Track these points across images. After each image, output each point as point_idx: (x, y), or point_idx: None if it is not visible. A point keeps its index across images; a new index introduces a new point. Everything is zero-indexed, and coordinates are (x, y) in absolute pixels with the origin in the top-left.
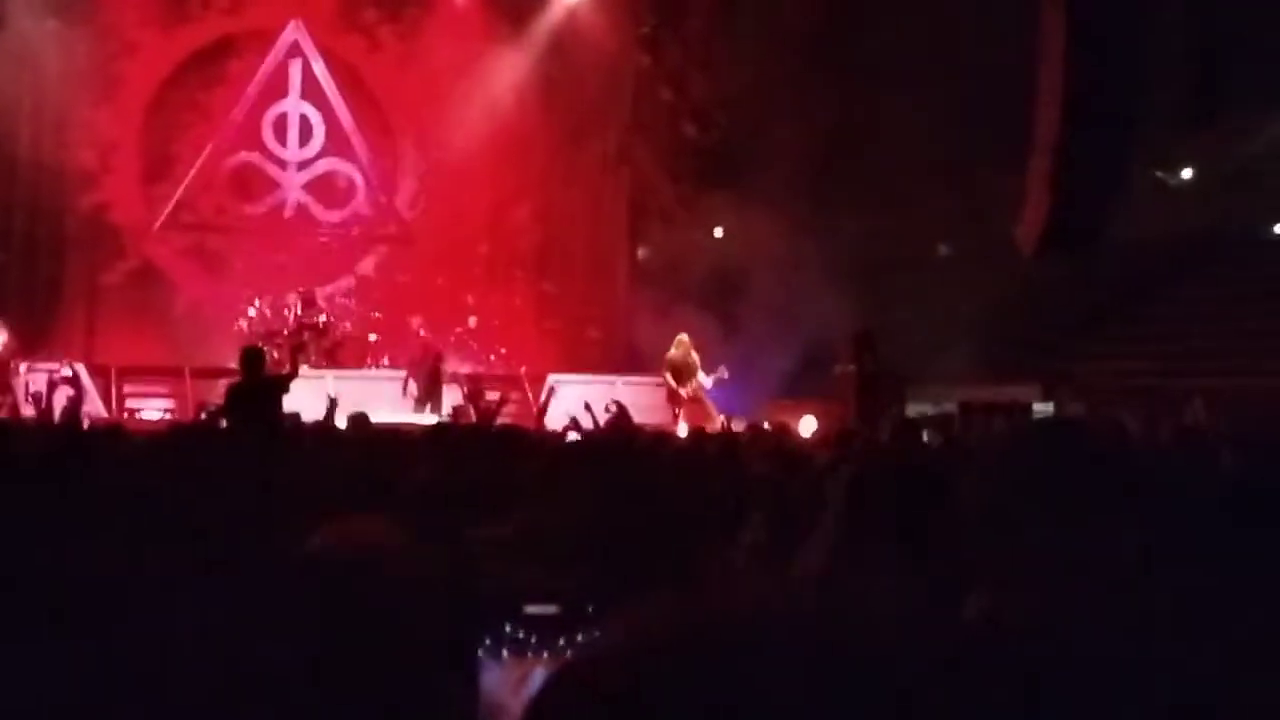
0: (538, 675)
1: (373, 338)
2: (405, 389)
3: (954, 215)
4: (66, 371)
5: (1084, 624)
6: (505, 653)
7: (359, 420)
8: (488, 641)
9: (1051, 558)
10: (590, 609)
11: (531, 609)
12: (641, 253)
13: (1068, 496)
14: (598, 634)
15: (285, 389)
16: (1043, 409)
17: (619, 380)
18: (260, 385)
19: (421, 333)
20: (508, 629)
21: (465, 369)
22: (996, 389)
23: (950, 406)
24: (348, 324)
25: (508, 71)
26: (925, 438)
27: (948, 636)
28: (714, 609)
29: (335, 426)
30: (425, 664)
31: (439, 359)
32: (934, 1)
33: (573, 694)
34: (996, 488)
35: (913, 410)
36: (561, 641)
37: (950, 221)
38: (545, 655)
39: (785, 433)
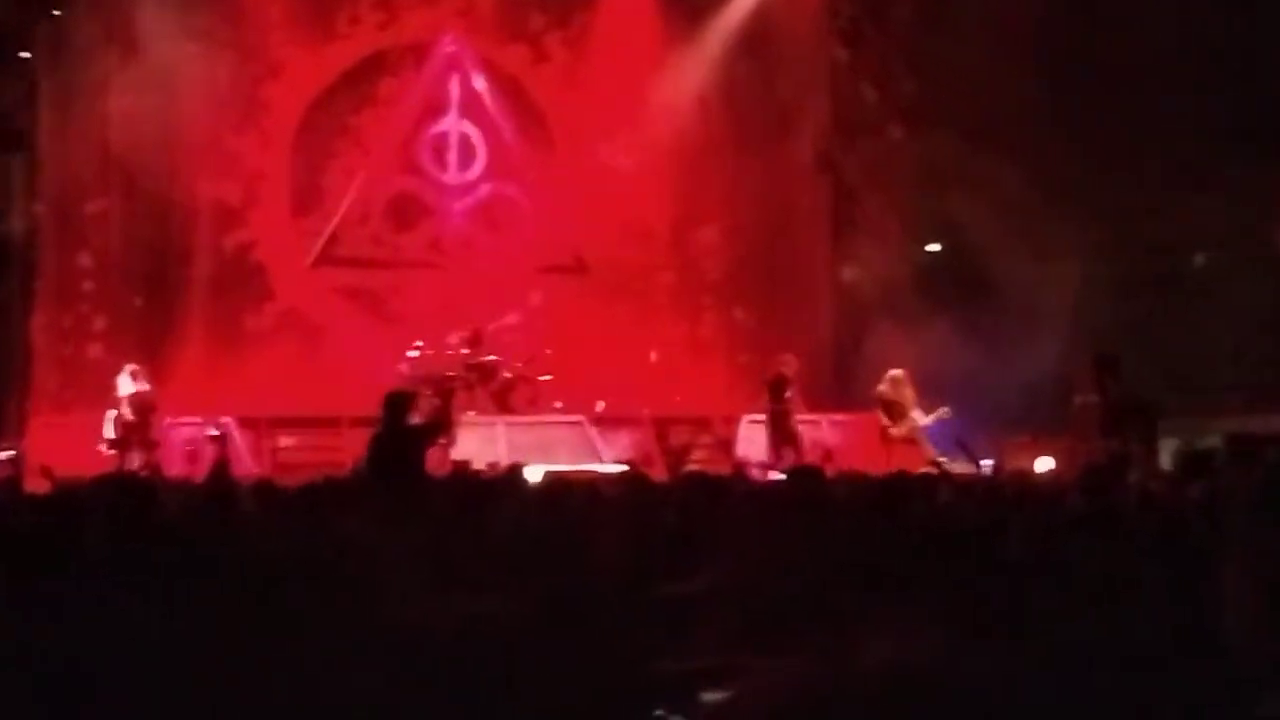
0: None
1: (545, 378)
2: None
3: (1211, 221)
4: (213, 432)
5: None
6: None
7: (518, 473)
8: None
9: None
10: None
11: (708, 696)
12: (847, 273)
13: None
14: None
15: (432, 439)
16: None
17: (824, 419)
18: (404, 435)
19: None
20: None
21: (647, 411)
22: (1266, 419)
23: (1214, 440)
24: (519, 364)
25: (688, 75)
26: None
27: None
28: (837, 675)
29: (503, 479)
30: None
31: None
32: None
33: None
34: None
35: (1165, 447)
36: None
37: (1207, 228)
38: None
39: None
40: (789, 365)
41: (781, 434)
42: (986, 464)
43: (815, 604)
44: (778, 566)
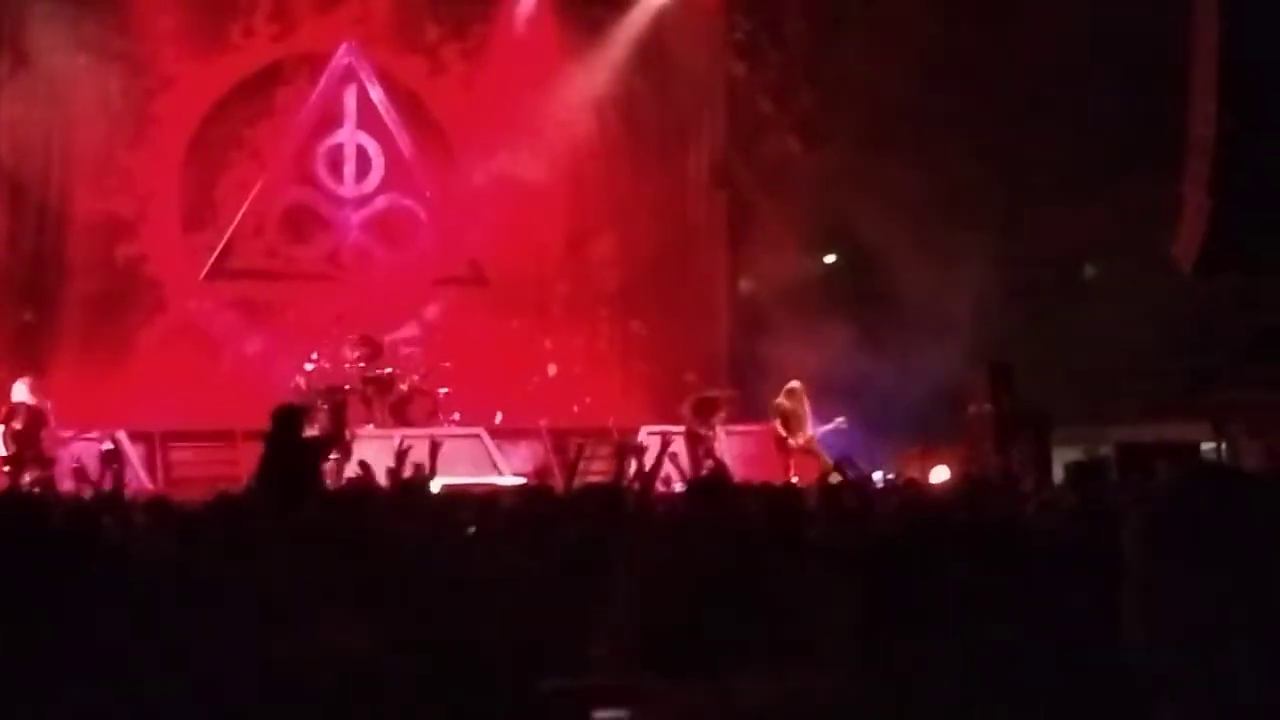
0: None
1: (443, 390)
2: None
3: (1100, 230)
4: (107, 445)
5: None
6: None
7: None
8: None
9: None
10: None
11: (601, 714)
12: (744, 285)
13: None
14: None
15: (325, 453)
16: (1211, 449)
17: (721, 430)
18: (295, 448)
19: None
20: None
21: (544, 422)
22: (1158, 428)
23: (1105, 449)
24: (416, 376)
25: (585, 88)
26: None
27: None
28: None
29: (392, 491)
30: None
31: None
32: None
33: None
34: (1155, 557)
35: (1060, 456)
36: None
37: (1096, 238)
38: None
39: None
40: (726, 398)
41: (701, 453)
42: (879, 476)
43: (708, 625)
44: (672, 584)
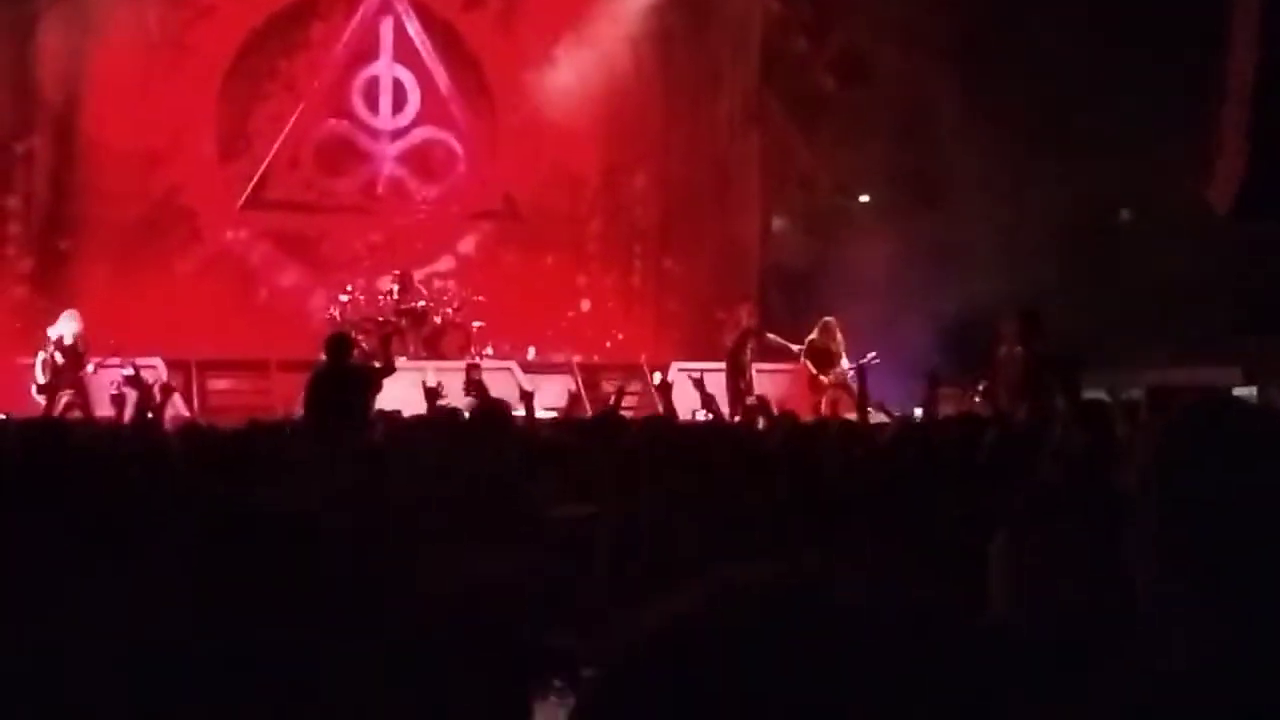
0: None
1: (476, 324)
2: None
3: (1135, 174)
4: (128, 371)
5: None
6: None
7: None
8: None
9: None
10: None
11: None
12: (777, 223)
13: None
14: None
15: (377, 383)
16: (1245, 393)
17: (753, 367)
18: (349, 374)
19: None
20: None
21: (577, 358)
22: (1191, 372)
23: (1136, 393)
24: (449, 309)
25: (621, 25)
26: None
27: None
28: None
29: (431, 420)
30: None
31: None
32: None
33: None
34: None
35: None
36: None
37: (1132, 181)
38: None
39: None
40: (751, 316)
41: (742, 384)
42: (917, 413)
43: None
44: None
